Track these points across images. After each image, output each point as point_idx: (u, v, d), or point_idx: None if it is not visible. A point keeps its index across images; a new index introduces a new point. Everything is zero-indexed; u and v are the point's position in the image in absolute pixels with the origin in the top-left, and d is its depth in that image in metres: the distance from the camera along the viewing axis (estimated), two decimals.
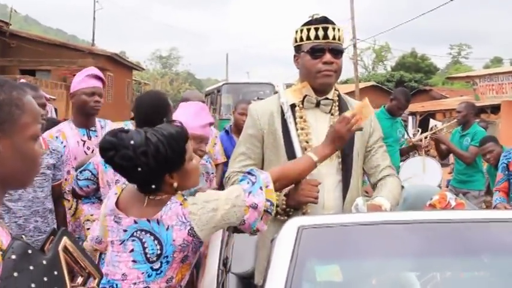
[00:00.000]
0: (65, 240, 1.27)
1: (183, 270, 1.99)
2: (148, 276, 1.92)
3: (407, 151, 6.25)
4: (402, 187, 2.68)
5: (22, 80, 4.27)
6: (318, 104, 2.50)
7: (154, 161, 1.85)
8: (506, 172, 4.04)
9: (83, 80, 3.61)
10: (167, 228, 1.89)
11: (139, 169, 1.85)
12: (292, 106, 2.49)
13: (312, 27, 2.45)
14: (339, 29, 2.48)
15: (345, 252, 1.72)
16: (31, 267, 1.16)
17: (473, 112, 6.09)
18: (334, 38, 2.45)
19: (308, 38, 2.45)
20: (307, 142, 2.45)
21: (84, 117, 3.53)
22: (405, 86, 37.22)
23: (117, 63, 25.58)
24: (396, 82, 36.76)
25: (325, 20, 2.48)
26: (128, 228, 1.95)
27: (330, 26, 2.45)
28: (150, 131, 1.91)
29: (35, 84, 3.57)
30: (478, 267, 1.79)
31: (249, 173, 2.06)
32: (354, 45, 27.41)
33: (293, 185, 2.35)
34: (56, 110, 12.51)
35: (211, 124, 3.02)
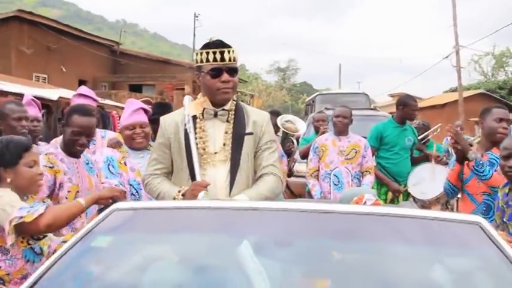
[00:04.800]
0: None
1: None
2: None
3: (420, 160, 6.33)
4: None
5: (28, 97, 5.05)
6: (216, 115, 2.93)
7: None
8: None
9: (72, 100, 4.37)
10: None
11: None
12: (195, 117, 2.92)
13: (211, 50, 2.85)
14: (233, 51, 2.90)
15: (132, 228, 2.21)
16: None
17: None
18: (229, 60, 2.87)
19: (207, 60, 2.85)
20: (204, 149, 2.88)
21: None
22: None
23: None
24: (509, 89, 34.78)
25: (221, 44, 2.89)
26: None
27: (226, 49, 2.86)
28: (3, 136, 2.62)
29: (19, 101, 4.24)
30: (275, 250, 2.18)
31: (43, 202, 2.59)
32: (457, 52, 26.48)
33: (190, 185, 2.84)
34: None
35: (143, 110, 3.78)
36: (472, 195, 3.94)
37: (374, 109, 13.87)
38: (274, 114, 6.96)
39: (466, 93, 29.02)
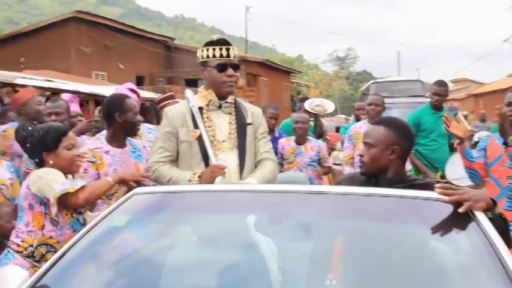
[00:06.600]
0: None
1: (37, 217, 2.84)
2: (19, 220, 2.90)
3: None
4: None
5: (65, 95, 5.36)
6: (220, 107, 3.21)
7: (35, 139, 2.88)
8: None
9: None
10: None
11: (28, 145, 2.92)
12: (200, 109, 3.19)
13: (217, 47, 3.15)
14: (236, 49, 3.21)
15: (148, 209, 2.46)
16: None
17: None
18: (234, 56, 3.17)
19: (214, 56, 3.15)
20: (213, 136, 3.16)
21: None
22: None
23: (270, 68, 27.21)
24: None
25: (225, 42, 3.21)
26: None
27: (231, 47, 3.17)
28: (44, 124, 3.02)
29: (55, 98, 4.61)
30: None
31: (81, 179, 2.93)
32: None
33: (205, 169, 3.09)
34: None
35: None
36: (496, 179, 4.00)
37: (426, 96, 13.71)
38: (303, 100, 7.50)
39: None
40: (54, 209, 2.79)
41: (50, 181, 2.79)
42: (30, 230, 2.85)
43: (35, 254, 2.83)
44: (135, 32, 22.56)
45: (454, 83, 43.83)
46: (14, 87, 10.16)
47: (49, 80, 11.06)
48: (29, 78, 10.84)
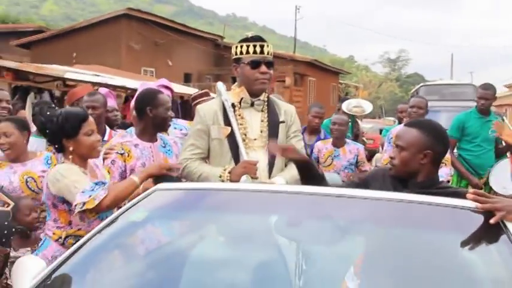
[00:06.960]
0: None
1: (63, 214, 2.81)
2: (48, 216, 2.88)
3: (505, 151, 6.08)
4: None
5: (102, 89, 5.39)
6: (252, 104, 3.15)
7: (55, 126, 2.80)
8: None
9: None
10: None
11: (47, 131, 2.84)
12: (232, 105, 3.13)
13: (251, 44, 3.09)
14: (271, 46, 3.14)
15: (168, 205, 2.44)
16: None
17: None
18: (268, 53, 3.10)
19: (247, 52, 3.09)
20: (245, 134, 3.10)
21: None
22: None
23: (319, 68, 27.06)
24: None
25: (260, 39, 3.14)
26: None
27: (265, 44, 3.11)
28: (62, 109, 2.95)
29: (93, 91, 4.61)
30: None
31: (103, 183, 2.79)
32: None
33: (235, 164, 3.04)
34: None
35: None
36: None
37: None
38: (343, 101, 7.51)
39: None
40: (76, 218, 2.80)
41: (69, 185, 2.73)
42: (58, 225, 2.85)
43: (65, 243, 2.81)
44: (184, 29, 22.81)
45: (509, 87, 42.31)
46: (64, 81, 10.43)
47: (97, 75, 11.26)
48: (79, 73, 11.08)
